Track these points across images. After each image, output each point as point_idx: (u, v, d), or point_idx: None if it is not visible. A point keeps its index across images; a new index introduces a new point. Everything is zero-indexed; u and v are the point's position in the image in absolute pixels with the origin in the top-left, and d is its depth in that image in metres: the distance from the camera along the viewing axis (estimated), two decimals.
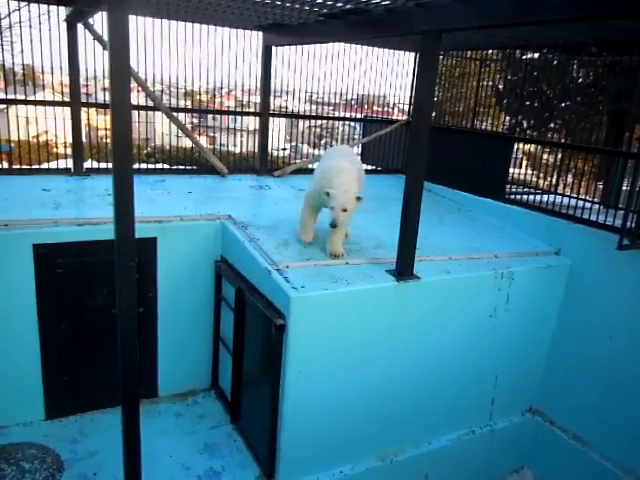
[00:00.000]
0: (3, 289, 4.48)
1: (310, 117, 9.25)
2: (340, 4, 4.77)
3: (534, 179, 8.35)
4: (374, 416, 4.66)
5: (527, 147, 8.98)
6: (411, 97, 8.99)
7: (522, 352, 5.47)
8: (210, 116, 9.01)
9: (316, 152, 10.40)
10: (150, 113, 7.32)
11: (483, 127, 9.27)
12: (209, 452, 4.75)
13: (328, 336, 4.21)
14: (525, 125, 11.27)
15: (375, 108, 10.35)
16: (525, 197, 7.13)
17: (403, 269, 4.51)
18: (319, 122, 11.09)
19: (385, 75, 9.00)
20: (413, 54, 8.81)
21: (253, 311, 4.60)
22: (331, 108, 10.45)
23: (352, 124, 10.72)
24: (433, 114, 7.21)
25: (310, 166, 8.67)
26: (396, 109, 11.11)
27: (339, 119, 9.62)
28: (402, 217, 4.46)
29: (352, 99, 10.24)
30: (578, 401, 5.43)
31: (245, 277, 4.77)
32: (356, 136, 10.61)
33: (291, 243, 4.92)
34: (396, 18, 4.56)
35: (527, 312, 5.33)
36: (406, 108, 9.65)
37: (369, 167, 9.45)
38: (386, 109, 10.79)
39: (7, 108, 6.69)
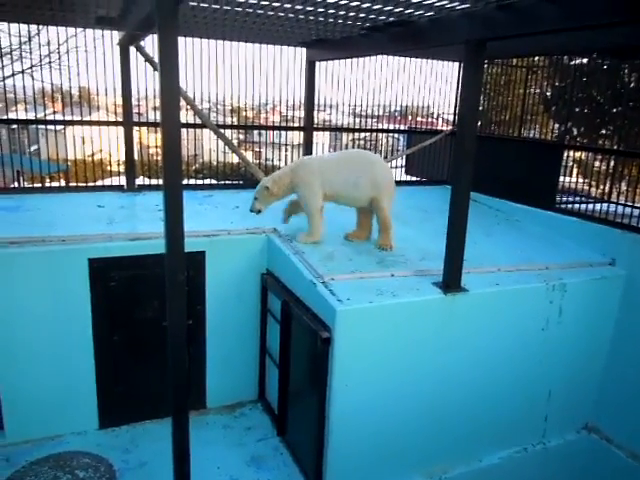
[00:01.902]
0: (61, 302, 4.67)
1: (353, 130, 9.29)
2: (383, 17, 4.79)
3: (585, 187, 8.09)
4: (422, 431, 4.58)
5: (578, 155, 8.72)
6: (456, 107, 8.90)
7: (577, 366, 5.27)
8: (255, 131, 9.17)
9: None
10: (198, 130, 7.52)
11: (531, 135, 9.07)
12: (256, 465, 4.78)
13: (374, 349, 4.18)
14: (575, 132, 10.96)
15: (419, 119, 10.29)
16: (576, 206, 6.92)
17: (450, 281, 4.44)
18: (362, 134, 11.11)
19: (429, 86, 8.95)
20: (457, 63, 8.73)
21: (299, 324, 4.62)
22: (374, 120, 10.46)
23: (396, 136, 10.69)
24: (478, 123, 7.11)
25: None
26: (440, 119, 11.02)
27: (382, 131, 9.62)
28: (448, 228, 4.41)
29: (395, 111, 10.22)
30: (637, 418, 5.18)
31: (291, 290, 4.80)
32: (400, 147, 10.57)
33: (336, 255, 4.93)
34: (440, 28, 4.55)
35: (581, 325, 5.14)
36: (450, 118, 9.56)
37: (413, 178, 9.39)
38: (430, 120, 10.71)
39: (64, 129, 7.02)
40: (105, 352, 4.94)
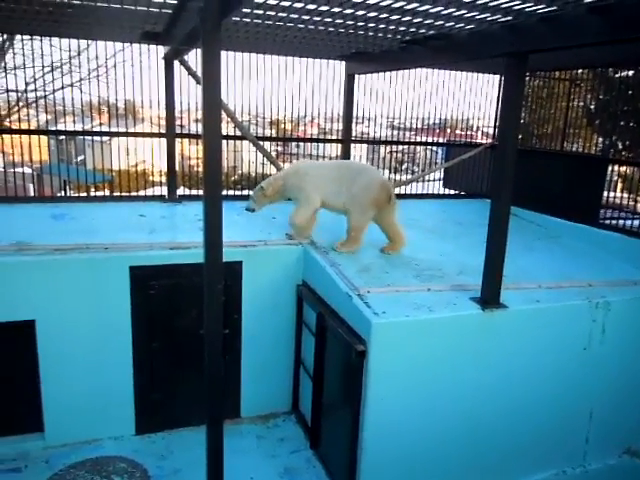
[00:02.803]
0: (103, 308, 4.80)
1: (391, 142, 9.27)
2: (423, 30, 4.79)
3: (631, 203, 7.84)
4: (457, 449, 4.48)
5: (622, 169, 8.47)
6: (496, 120, 8.79)
7: (620, 387, 5.07)
8: (293, 143, 9.26)
9: (397, 177, 10.37)
10: (237, 142, 7.64)
11: (573, 149, 8.87)
12: (289, 476, 4.76)
13: (409, 364, 4.12)
14: (620, 146, 10.65)
15: (458, 132, 10.21)
16: (621, 222, 6.71)
17: (489, 297, 4.35)
18: (400, 147, 11.08)
19: (468, 98, 8.88)
20: (497, 76, 8.63)
21: (334, 336, 4.61)
22: (412, 133, 10.42)
23: (434, 148, 10.63)
24: (519, 136, 7.01)
25: None
26: (480, 132, 10.90)
27: (420, 144, 9.57)
28: (488, 242, 4.33)
29: (434, 123, 10.17)
30: None
31: (326, 301, 4.80)
32: (438, 160, 10.50)
33: (373, 268, 4.91)
34: (480, 41, 4.51)
35: (626, 345, 4.95)
36: (490, 131, 9.45)
37: (451, 192, 9.30)
38: (469, 132, 10.61)
39: (110, 140, 7.26)
40: (143, 359, 5.03)
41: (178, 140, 7.26)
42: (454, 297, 4.45)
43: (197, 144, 7.86)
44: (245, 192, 8.30)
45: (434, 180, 9.73)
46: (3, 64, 12.40)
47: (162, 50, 6.61)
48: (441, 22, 4.38)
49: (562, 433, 4.92)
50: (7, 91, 11.71)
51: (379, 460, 4.20)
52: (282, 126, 8.79)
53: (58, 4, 4.29)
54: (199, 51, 3.23)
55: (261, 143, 7.41)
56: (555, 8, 3.54)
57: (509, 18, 3.96)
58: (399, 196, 8.66)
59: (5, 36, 11.62)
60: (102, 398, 4.95)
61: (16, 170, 8.72)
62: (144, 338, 5.00)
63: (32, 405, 4.83)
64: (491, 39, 4.34)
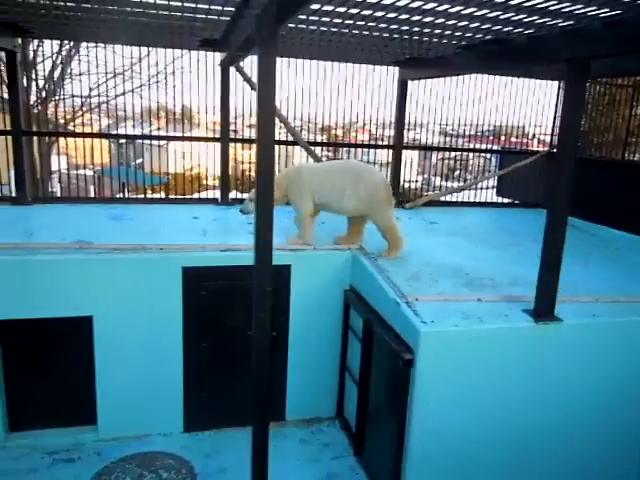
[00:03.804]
0: (156, 307, 4.94)
1: (443, 149, 9.15)
2: (480, 35, 4.71)
3: None
4: (503, 462, 4.34)
5: None
6: (553, 127, 8.53)
7: None
8: (344, 149, 9.29)
9: (449, 184, 10.23)
10: (289, 147, 7.73)
11: (635, 158, 8.50)
12: None
13: (457, 374, 4.04)
14: None
15: (512, 139, 9.97)
16: None
17: (542, 309, 4.21)
18: (452, 154, 10.92)
19: (524, 105, 8.66)
20: (556, 82, 8.39)
21: (380, 343, 4.57)
22: (465, 140, 10.26)
23: (487, 156, 10.42)
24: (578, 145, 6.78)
25: (442, 198, 8.55)
26: (536, 140, 10.62)
27: (473, 151, 9.41)
28: (543, 253, 4.19)
29: (487, 130, 9.98)
30: None
31: (373, 308, 4.77)
32: (491, 168, 10.28)
33: (422, 276, 4.85)
34: (540, 46, 4.39)
35: None
36: (546, 139, 9.18)
37: (505, 200, 9.08)
38: (525, 140, 10.35)
39: (167, 144, 7.48)
40: (193, 358, 5.14)
41: (231, 144, 7.41)
42: (506, 308, 4.33)
43: (250, 149, 8.01)
44: None
45: (487, 188, 9.54)
46: (69, 70, 13.03)
47: (219, 57, 6.77)
48: (499, 27, 4.30)
49: (617, 456, 4.69)
50: (72, 96, 12.29)
51: (424, 470, 4.13)
52: (333, 132, 8.83)
53: (122, 12, 4.46)
54: (255, 57, 3.29)
55: (312, 148, 7.46)
56: (618, 12, 3.41)
57: (570, 22, 3.84)
58: (450, 204, 8.59)
59: (71, 43, 12.20)
60: (153, 395, 5.09)
61: (78, 172, 9.15)
62: (194, 337, 5.11)
63: (87, 398, 5.02)
64: (551, 44, 4.22)
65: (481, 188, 9.35)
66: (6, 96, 6.41)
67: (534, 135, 10.38)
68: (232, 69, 6.81)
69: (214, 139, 7.27)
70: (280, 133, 7.72)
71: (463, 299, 4.42)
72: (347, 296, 5.31)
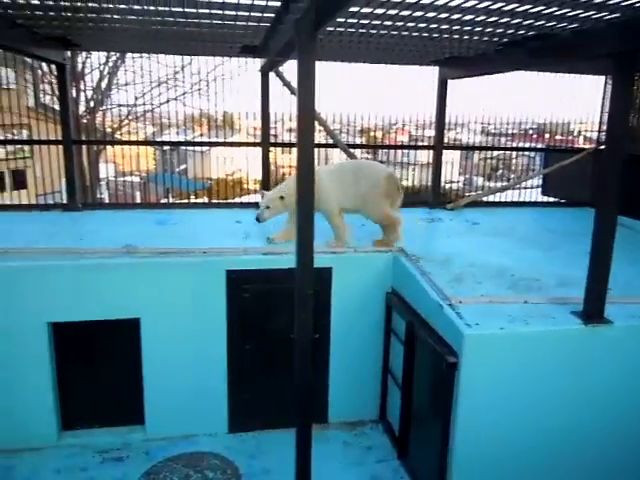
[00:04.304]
0: (201, 310, 5.04)
1: (485, 148, 8.99)
2: (522, 31, 4.62)
3: None
4: (550, 468, 4.21)
5: None
6: (600, 124, 8.26)
7: None
8: (383, 151, 9.26)
9: (492, 184, 10.04)
10: (328, 150, 7.76)
11: None
12: None
13: (503, 377, 3.95)
14: None
15: (557, 137, 9.71)
16: None
17: (592, 311, 4.08)
18: (494, 153, 10.72)
19: (568, 102, 8.42)
20: (603, 77, 8.12)
21: (423, 346, 4.53)
22: (507, 139, 10.06)
23: (531, 154, 10.19)
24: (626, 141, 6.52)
25: (485, 199, 8.40)
26: (582, 137, 10.32)
27: (516, 149, 9.20)
28: (592, 253, 4.06)
29: (530, 128, 9.77)
30: None
31: (416, 310, 4.73)
32: (535, 167, 10.05)
33: (465, 277, 4.78)
34: (585, 40, 4.27)
35: None
36: (593, 135, 8.90)
37: (551, 200, 8.84)
38: (569, 137, 10.06)
39: (209, 150, 7.64)
40: (237, 360, 5.21)
41: (272, 149, 7.49)
42: (553, 310, 4.21)
43: (289, 152, 8.08)
44: None
45: (532, 187, 9.32)
46: (115, 81, 13.48)
47: (259, 63, 6.86)
48: (542, 22, 4.20)
49: None
50: (119, 106, 12.71)
51: (469, 473, 4.06)
52: (372, 134, 8.81)
53: (165, 23, 4.58)
54: (294, 62, 3.32)
55: (352, 151, 7.46)
56: None
57: (616, 15, 3.72)
58: (493, 204, 8.43)
59: (117, 54, 12.60)
60: (198, 396, 5.18)
61: (125, 179, 9.46)
62: (238, 339, 5.18)
63: (135, 399, 5.16)
64: (597, 38, 4.09)
65: (525, 187, 9.14)
66: (57, 107, 6.67)
67: (579, 132, 10.08)
68: (272, 74, 6.89)
69: (255, 144, 7.37)
70: (320, 136, 7.76)
71: (508, 301, 4.33)
72: (389, 298, 5.28)
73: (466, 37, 5.02)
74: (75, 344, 5.07)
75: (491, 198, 8.63)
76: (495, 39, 5.06)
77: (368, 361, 5.49)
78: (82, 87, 13.30)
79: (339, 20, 4.28)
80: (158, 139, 8.18)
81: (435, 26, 4.53)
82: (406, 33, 4.86)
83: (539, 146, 9.57)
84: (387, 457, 5.11)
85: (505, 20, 4.22)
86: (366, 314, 5.38)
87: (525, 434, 4.10)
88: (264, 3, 3.71)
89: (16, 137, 10.09)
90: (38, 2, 3.94)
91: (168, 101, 9.73)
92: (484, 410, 3.97)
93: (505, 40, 5.07)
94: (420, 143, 9.22)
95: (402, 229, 5.51)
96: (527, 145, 9.73)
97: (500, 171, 12.11)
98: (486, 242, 6.09)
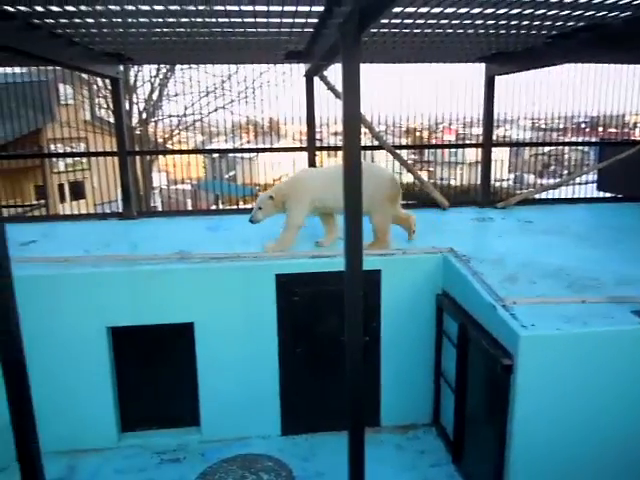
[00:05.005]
0: (251, 313, 5.12)
1: (536, 144, 8.75)
2: (572, 22, 4.49)
3: None
4: (610, 473, 4.04)
5: None
6: None
7: None
8: (428, 150, 9.16)
9: (544, 181, 9.76)
10: (373, 152, 7.74)
11: None
12: None
13: (561, 380, 3.82)
14: None
15: (612, 130, 9.35)
16: None
17: None
18: (545, 149, 10.42)
19: (623, 93, 8.09)
20: None
21: (477, 348, 4.44)
22: (558, 134, 9.76)
23: (585, 149, 9.84)
24: None
25: (537, 196, 8.17)
26: (638, 129, 9.90)
27: (568, 144, 8.90)
28: None
29: (583, 122, 9.44)
30: None
31: (468, 312, 4.64)
32: (589, 161, 9.70)
33: (518, 278, 4.66)
34: (637, 29, 4.10)
35: None
36: None
37: (607, 195, 8.51)
38: (625, 130, 9.66)
39: (257, 156, 7.76)
40: (288, 363, 5.26)
41: (317, 153, 7.53)
42: (612, 310, 4.05)
43: (335, 156, 8.11)
44: None
45: (586, 183, 9.00)
46: (166, 92, 13.92)
47: (303, 68, 6.93)
48: (592, 12, 4.07)
49: None
50: (169, 116, 13.10)
51: (526, 479, 3.94)
52: (418, 134, 8.73)
53: (213, 34, 4.70)
54: (338, 65, 3.34)
55: (398, 152, 7.42)
56: None
57: None
58: (546, 201, 8.18)
59: (167, 67, 13.00)
60: (251, 398, 5.26)
61: (177, 187, 9.75)
62: (289, 343, 5.23)
63: (191, 401, 5.29)
64: None
65: (579, 183, 8.83)
66: (112, 120, 6.93)
67: (635, 124, 9.66)
68: (316, 78, 6.94)
69: (301, 148, 7.44)
70: (365, 138, 7.75)
71: (565, 301, 4.19)
72: (440, 300, 5.21)
73: (513, 32, 4.92)
74: (132, 348, 5.24)
75: (543, 195, 8.38)
76: (543, 32, 4.94)
77: (420, 364, 5.43)
78: (135, 100, 13.80)
79: (383, 21, 4.27)
80: (207, 147, 8.39)
81: (481, 22, 4.46)
82: (451, 31, 4.81)
83: (593, 140, 9.24)
84: (441, 461, 5.03)
85: (553, 12, 4.11)
86: (416, 316, 5.33)
87: (584, 438, 3.95)
88: (308, 9, 3.75)
89: (74, 150, 10.57)
90: (93, 21, 4.12)
91: (216, 110, 9.98)
92: (541, 413, 3.85)
93: (554, 32, 4.94)
94: (468, 141, 9.07)
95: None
96: (580, 139, 9.41)
97: (552, 167, 11.76)
98: (540, 241, 5.92)
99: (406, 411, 5.53)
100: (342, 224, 3.58)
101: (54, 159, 13.08)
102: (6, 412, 3.80)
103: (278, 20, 4.16)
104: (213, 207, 8.33)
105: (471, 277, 4.65)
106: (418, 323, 5.34)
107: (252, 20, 4.15)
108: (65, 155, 11.41)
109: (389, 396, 5.46)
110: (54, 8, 3.69)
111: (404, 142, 9.09)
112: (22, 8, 3.65)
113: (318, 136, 7.76)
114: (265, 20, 4.16)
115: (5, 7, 3.58)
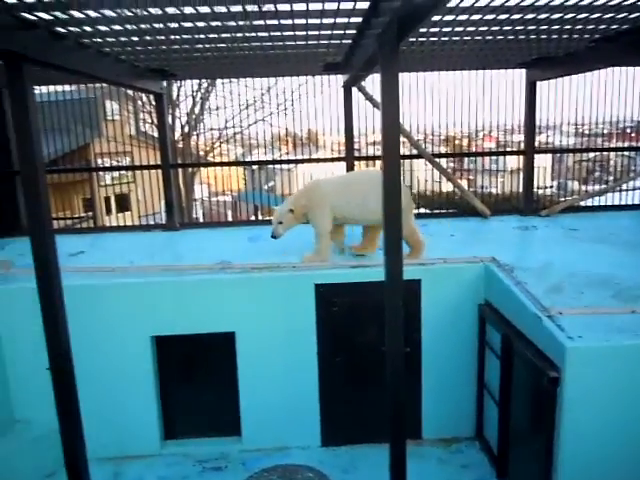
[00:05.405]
0: (291, 323, 5.15)
1: (580, 150, 8.52)
2: (615, 26, 4.38)
3: None
4: None
5: None
6: None
7: None
8: (466, 159, 9.05)
9: (589, 188, 9.49)
10: (411, 161, 7.70)
11: None
12: None
13: (611, 393, 3.68)
14: None
15: None
16: None
17: None
18: (590, 155, 10.14)
19: None
20: None
21: (521, 360, 4.33)
22: (603, 139, 9.49)
23: (631, 154, 9.53)
24: None
25: (582, 204, 7.95)
26: None
27: (615, 150, 8.64)
28: None
29: (628, 127, 9.16)
30: None
31: (512, 322, 4.54)
32: (637, 167, 9.38)
33: (564, 287, 4.53)
34: None
35: None
36: None
37: None
38: None
39: (295, 167, 7.84)
40: (328, 373, 5.26)
41: (355, 162, 7.54)
42: None
43: (373, 165, 8.10)
44: (422, 210, 8.31)
45: (633, 189, 8.69)
46: (207, 106, 14.24)
47: (341, 79, 6.97)
48: (636, 14, 3.96)
49: None
50: (210, 129, 13.39)
51: None
52: (457, 142, 8.65)
53: (253, 48, 4.79)
54: (376, 76, 3.36)
55: (437, 160, 7.36)
56: None
57: None
58: (591, 208, 7.95)
59: (209, 81, 13.31)
60: (291, 408, 5.28)
61: (218, 198, 9.95)
62: (328, 352, 5.23)
63: (232, 410, 5.34)
64: None
65: (626, 190, 8.53)
66: (156, 134, 7.14)
67: None
68: (354, 89, 6.97)
69: (339, 159, 7.47)
70: (403, 147, 7.72)
71: (614, 311, 4.05)
72: (482, 310, 5.11)
73: (555, 36, 4.83)
74: (175, 357, 5.35)
75: (589, 202, 8.14)
76: (586, 36, 4.83)
77: (462, 375, 5.33)
78: (177, 114, 14.16)
79: (421, 30, 4.26)
80: (247, 159, 8.53)
81: (521, 28, 4.39)
82: (490, 37, 4.76)
83: (639, 145, 8.93)
84: (485, 476, 4.91)
85: (596, 16, 4.02)
86: (458, 326, 5.24)
87: (635, 453, 3.79)
88: (346, 20, 3.78)
89: (120, 164, 10.92)
90: (139, 38, 4.27)
91: (256, 122, 10.14)
92: (590, 427, 3.71)
93: (597, 36, 4.82)
94: (509, 149, 8.91)
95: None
96: (625, 145, 9.12)
97: (597, 174, 11.43)
98: (586, 249, 5.75)
99: (448, 424, 5.43)
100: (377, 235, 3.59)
101: (101, 173, 13.53)
102: (55, 419, 3.95)
103: (317, 33, 4.20)
104: (253, 218, 8.45)
105: (514, 287, 4.55)
106: (460, 333, 5.26)
107: (291, 33, 4.21)
108: (111, 169, 11.81)
109: (431, 408, 5.38)
110: (102, 28, 3.84)
111: (443, 150, 9.01)
112: (72, 29, 3.81)
113: (356, 146, 7.78)
114: (304, 33, 4.21)
115: (57, 28, 3.74)
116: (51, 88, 7.70)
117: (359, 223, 5.54)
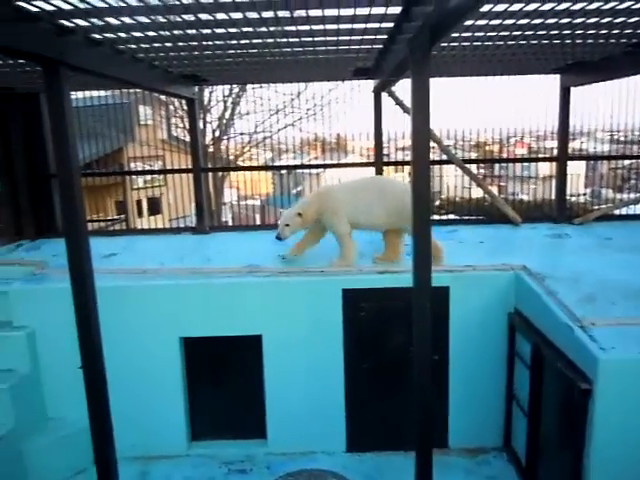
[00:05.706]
0: (318, 327, 5.15)
1: (615, 157, 8.34)
2: None
3: None
4: None
5: None
6: None
7: None
8: (497, 165, 8.94)
9: (624, 196, 9.25)
10: (440, 166, 7.64)
11: None
12: None
13: None
14: None
15: None
16: None
17: None
18: (625, 162, 9.89)
19: None
20: None
21: (552, 371, 4.23)
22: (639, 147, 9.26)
23: None
24: None
25: (617, 212, 7.76)
26: None
27: None
28: None
29: None
30: None
31: (542, 332, 4.45)
32: None
33: (597, 297, 4.42)
34: None
35: None
36: None
37: None
38: None
39: (324, 172, 7.86)
40: (354, 378, 5.24)
41: (384, 168, 7.52)
42: None
43: (402, 171, 8.08)
44: (451, 217, 8.24)
45: None
46: (237, 111, 14.42)
47: (371, 84, 6.97)
48: None
49: None
50: (241, 134, 13.55)
51: None
52: (487, 148, 8.55)
53: (284, 53, 4.83)
54: (406, 81, 3.35)
55: (467, 166, 7.28)
56: None
57: None
58: (627, 217, 7.75)
59: (239, 86, 13.47)
60: (317, 413, 5.27)
61: (247, 202, 10.04)
62: (355, 358, 5.21)
63: (258, 413, 5.37)
64: None
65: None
66: (187, 139, 7.25)
67: None
68: (384, 94, 6.96)
69: (368, 164, 7.46)
70: (433, 153, 7.67)
71: None
72: (512, 319, 5.03)
73: (590, 41, 4.74)
74: (203, 359, 5.40)
75: (623, 211, 7.94)
76: (623, 41, 4.73)
77: (490, 384, 5.25)
78: (208, 119, 14.37)
79: (453, 35, 4.23)
80: (276, 164, 8.60)
81: (556, 32, 4.32)
82: (524, 42, 4.69)
83: None
84: None
85: (633, 20, 3.93)
86: (486, 335, 5.17)
87: None
88: (377, 25, 3.78)
89: (152, 167, 11.13)
90: (172, 45, 4.35)
91: (285, 127, 10.22)
92: (622, 441, 3.61)
93: (634, 41, 4.71)
94: (541, 155, 8.76)
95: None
96: None
97: (632, 182, 11.14)
98: (621, 259, 5.60)
99: (475, 433, 5.34)
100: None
101: (133, 176, 13.81)
102: (86, 417, 4.04)
103: (348, 38, 4.22)
104: None
105: (546, 296, 4.47)
106: (489, 342, 5.18)
107: (322, 39, 4.23)
108: (144, 173, 12.04)
109: (458, 417, 5.31)
110: (136, 34, 3.92)
111: (473, 156, 8.92)
112: (108, 35, 3.91)
113: (385, 151, 7.76)
114: (335, 38, 4.23)
115: (93, 34, 3.84)
116: (87, 93, 7.90)
117: (366, 229, 5.54)
